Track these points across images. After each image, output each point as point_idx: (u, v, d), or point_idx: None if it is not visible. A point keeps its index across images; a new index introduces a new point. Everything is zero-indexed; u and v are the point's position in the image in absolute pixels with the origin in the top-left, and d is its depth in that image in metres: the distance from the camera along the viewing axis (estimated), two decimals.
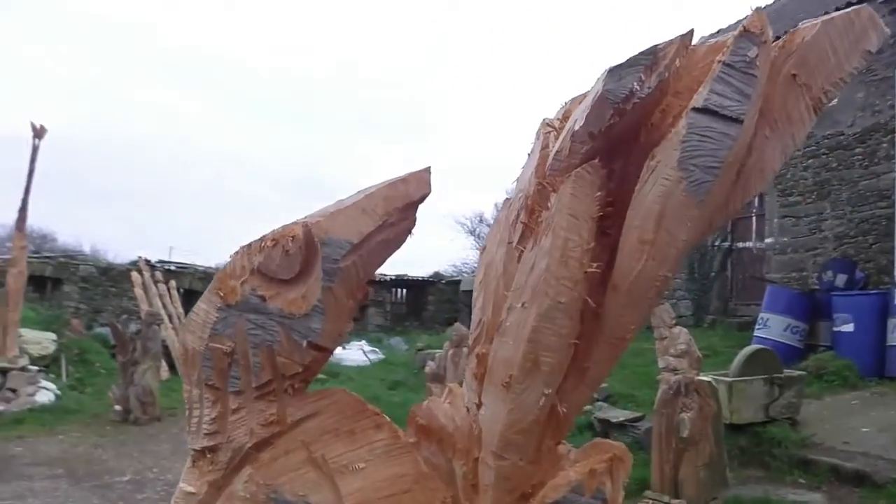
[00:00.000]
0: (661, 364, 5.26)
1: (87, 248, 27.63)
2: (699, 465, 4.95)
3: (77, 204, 55.69)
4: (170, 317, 13.51)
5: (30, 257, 11.86)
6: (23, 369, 9.96)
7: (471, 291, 1.23)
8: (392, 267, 20.87)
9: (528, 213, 1.06)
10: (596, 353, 1.05)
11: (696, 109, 0.94)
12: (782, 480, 6.08)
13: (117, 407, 9.23)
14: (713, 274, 13.49)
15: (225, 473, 1.05)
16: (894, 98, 10.05)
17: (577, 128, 0.98)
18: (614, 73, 0.95)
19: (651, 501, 4.99)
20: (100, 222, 54.44)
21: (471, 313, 1.21)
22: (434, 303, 23.29)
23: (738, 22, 0.95)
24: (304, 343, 1.04)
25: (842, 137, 10.96)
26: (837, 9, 1.28)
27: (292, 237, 1.03)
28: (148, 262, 15.55)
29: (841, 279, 10.34)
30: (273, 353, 1.03)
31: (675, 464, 4.96)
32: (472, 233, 30.75)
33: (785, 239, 12.02)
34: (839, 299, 9.57)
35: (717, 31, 12.93)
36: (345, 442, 1.07)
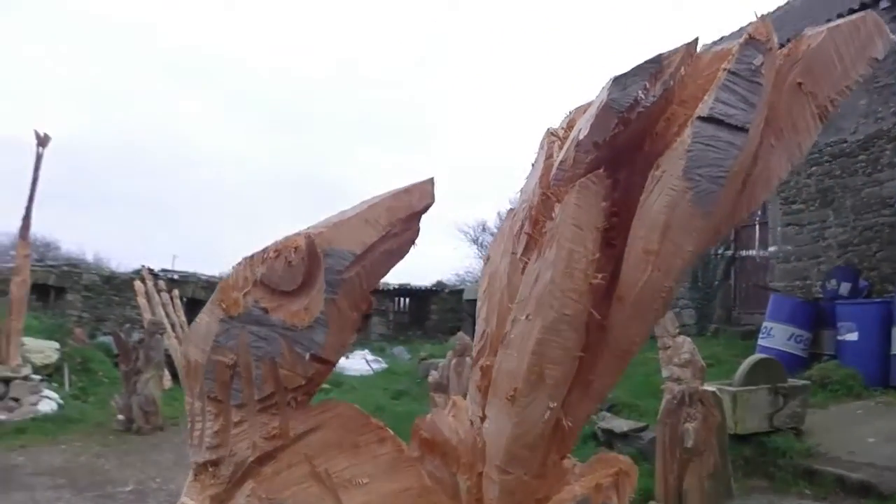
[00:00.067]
0: (664, 374, 5.24)
1: (90, 257, 27.69)
2: (703, 476, 4.92)
3: (78, 209, 55.83)
4: (173, 326, 13.52)
5: (33, 266, 11.90)
6: (25, 378, 9.96)
7: (474, 301, 1.23)
8: (395, 276, 20.86)
9: (532, 223, 1.05)
10: (601, 365, 1.04)
11: (701, 118, 0.93)
12: (787, 491, 6.05)
13: (120, 416, 9.22)
14: (716, 283, 13.47)
15: (227, 487, 1.04)
16: None
17: (581, 137, 0.98)
18: (619, 81, 0.94)
19: None
20: (102, 229, 54.63)
21: (474, 323, 1.21)
22: (437, 312, 23.28)
23: (743, 29, 0.94)
24: (307, 355, 1.03)
25: (845, 145, 10.95)
26: (840, 15, 1.28)
27: (295, 248, 1.02)
28: (151, 270, 15.57)
29: (845, 287, 10.30)
30: (276, 365, 1.02)
31: (679, 474, 4.93)
32: (474, 242, 30.77)
33: (788, 247, 12.00)
34: (843, 308, 9.54)
35: (720, 38, 12.96)
36: (348, 456, 1.05)
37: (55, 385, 10.92)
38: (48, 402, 9.92)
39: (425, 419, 1.16)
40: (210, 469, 1.05)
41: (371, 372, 15.34)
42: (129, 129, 67.63)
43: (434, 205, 1.11)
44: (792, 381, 7.23)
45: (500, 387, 1.04)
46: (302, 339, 1.02)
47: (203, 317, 1.05)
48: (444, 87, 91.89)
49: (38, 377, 10.33)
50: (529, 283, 1.01)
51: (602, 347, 1.03)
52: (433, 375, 7.11)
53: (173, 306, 14.16)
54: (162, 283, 14.51)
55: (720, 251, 13.27)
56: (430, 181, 1.11)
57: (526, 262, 1.04)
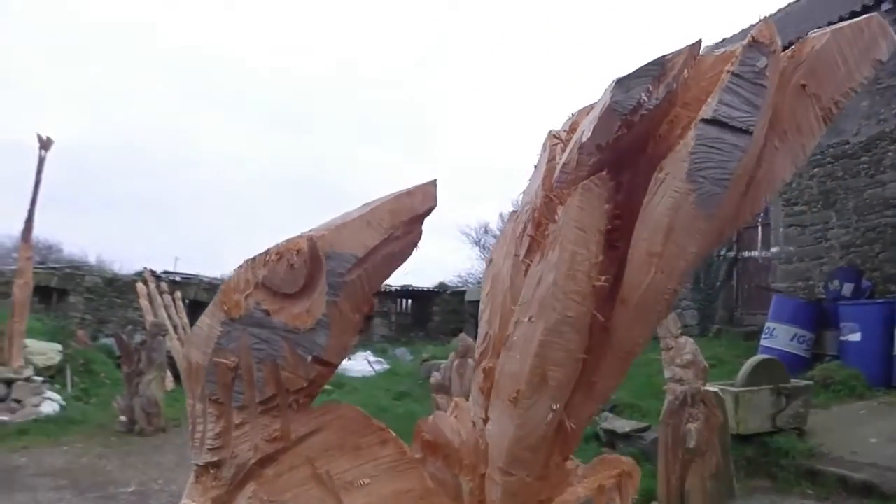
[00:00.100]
0: (667, 374, 5.23)
1: (92, 259, 27.72)
2: (706, 476, 4.91)
3: (80, 212, 55.93)
4: (175, 327, 13.54)
5: (36, 268, 11.92)
6: (28, 380, 9.98)
7: (476, 302, 1.23)
8: (397, 277, 20.88)
9: (535, 225, 1.05)
10: (604, 367, 1.03)
11: (704, 121, 0.93)
12: (789, 491, 6.04)
13: (122, 418, 9.23)
14: (719, 283, 13.47)
15: (228, 489, 1.04)
16: None
17: (584, 139, 0.97)
18: (622, 84, 0.94)
19: None
20: (104, 231, 54.70)
21: (476, 324, 1.20)
22: (439, 313, 23.26)
23: (746, 31, 0.94)
24: (309, 358, 1.03)
25: (847, 146, 10.94)
26: (842, 17, 1.28)
27: (297, 251, 1.02)
28: (153, 272, 15.59)
29: (847, 288, 10.29)
30: (277, 367, 1.02)
31: (681, 475, 4.92)
32: (477, 243, 30.80)
33: (791, 248, 11.99)
34: (846, 308, 9.54)
35: (723, 40, 12.96)
36: (350, 458, 1.05)
37: (57, 387, 10.93)
38: (50, 404, 9.93)
39: (427, 421, 1.16)
40: (211, 471, 1.05)
41: (373, 373, 15.34)
42: (129, 130, 67.85)
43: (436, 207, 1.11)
44: (794, 382, 7.22)
45: (503, 389, 1.04)
46: (304, 341, 1.02)
47: (205, 319, 1.05)
48: (444, 88, 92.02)
49: (40, 379, 10.35)
50: (532, 285, 1.01)
51: (605, 349, 1.02)
52: (435, 377, 7.11)
53: (175, 308, 14.19)
54: (164, 285, 14.54)
55: (723, 252, 13.26)
56: (433, 183, 1.10)
57: (529, 265, 1.04)
